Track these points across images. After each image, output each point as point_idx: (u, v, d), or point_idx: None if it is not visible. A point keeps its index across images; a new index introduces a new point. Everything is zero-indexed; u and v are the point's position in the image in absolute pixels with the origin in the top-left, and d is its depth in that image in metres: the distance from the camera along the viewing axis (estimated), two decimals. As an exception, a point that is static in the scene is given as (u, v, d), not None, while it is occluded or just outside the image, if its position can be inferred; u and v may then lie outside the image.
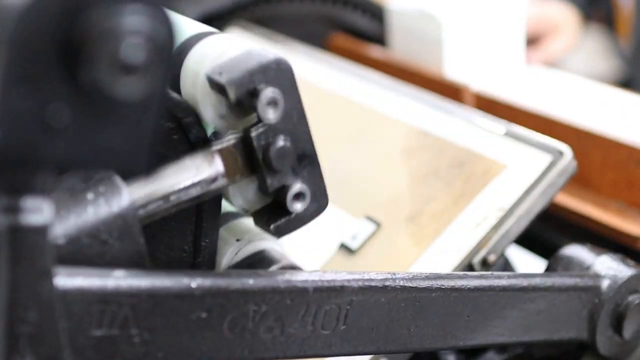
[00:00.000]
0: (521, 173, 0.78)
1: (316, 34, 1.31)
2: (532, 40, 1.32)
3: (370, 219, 0.84)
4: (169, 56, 0.37)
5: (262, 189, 0.57)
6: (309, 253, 0.84)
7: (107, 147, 0.39)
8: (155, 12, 0.37)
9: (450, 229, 0.78)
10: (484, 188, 0.79)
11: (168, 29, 0.38)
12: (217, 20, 1.26)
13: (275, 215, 0.58)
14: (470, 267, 0.75)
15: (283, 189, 0.57)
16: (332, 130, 0.95)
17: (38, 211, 0.43)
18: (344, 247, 0.83)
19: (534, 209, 0.76)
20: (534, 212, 0.76)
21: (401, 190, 0.85)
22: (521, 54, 1.19)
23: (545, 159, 0.78)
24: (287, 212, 0.58)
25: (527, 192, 0.77)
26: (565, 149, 0.78)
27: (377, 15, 1.31)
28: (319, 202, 0.58)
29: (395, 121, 0.92)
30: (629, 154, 0.92)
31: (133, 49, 0.37)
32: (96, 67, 0.37)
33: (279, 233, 0.58)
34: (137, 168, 0.41)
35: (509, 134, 0.83)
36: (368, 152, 0.90)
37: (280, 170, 0.56)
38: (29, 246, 0.43)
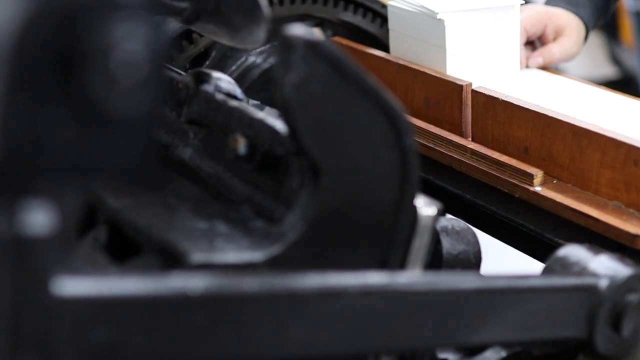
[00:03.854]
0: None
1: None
2: (534, 41, 1.26)
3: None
4: (161, 70, 0.37)
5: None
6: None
7: (104, 159, 0.39)
8: (146, 28, 0.38)
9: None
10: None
11: (160, 44, 0.38)
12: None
13: None
14: None
15: None
16: None
17: (40, 221, 0.43)
18: None
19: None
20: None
21: None
22: (520, 54, 1.19)
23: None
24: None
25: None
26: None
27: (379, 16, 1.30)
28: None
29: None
30: (627, 153, 0.92)
31: (125, 65, 0.37)
32: (89, 82, 0.37)
33: None
34: (134, 178, 0.41)
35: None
36: None
37: None
38: (30, 255, 0.44)
